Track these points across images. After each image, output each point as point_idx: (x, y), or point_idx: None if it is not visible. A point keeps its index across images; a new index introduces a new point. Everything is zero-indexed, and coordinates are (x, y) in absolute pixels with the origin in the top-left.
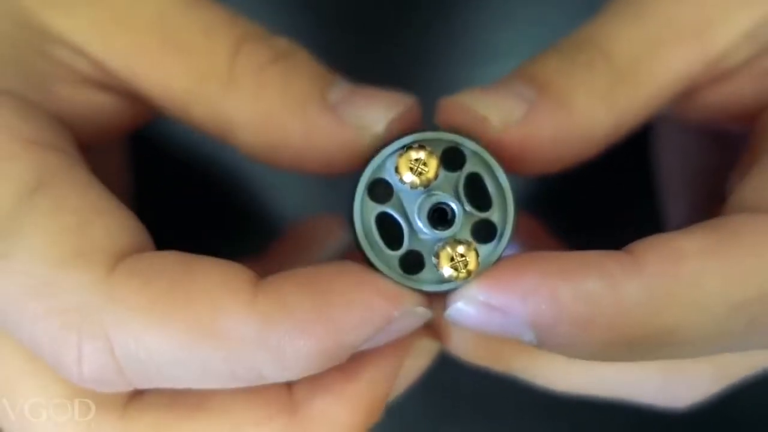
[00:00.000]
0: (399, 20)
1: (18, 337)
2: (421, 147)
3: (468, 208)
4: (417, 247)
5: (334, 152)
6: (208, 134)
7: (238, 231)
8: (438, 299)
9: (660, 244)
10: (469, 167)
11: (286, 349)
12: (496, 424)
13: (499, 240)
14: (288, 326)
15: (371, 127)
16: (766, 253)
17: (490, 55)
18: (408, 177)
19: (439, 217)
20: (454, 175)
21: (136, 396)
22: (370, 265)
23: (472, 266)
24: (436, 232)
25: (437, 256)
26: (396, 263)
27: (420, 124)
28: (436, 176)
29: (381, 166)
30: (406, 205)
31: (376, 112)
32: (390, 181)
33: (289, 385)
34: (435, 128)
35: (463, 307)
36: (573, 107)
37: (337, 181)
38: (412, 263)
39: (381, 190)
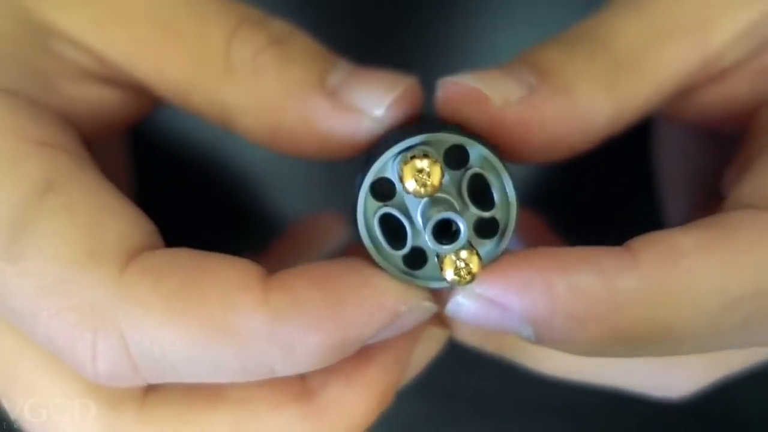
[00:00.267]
0: (399, 20)
1: (33, 337)
2: (425, 156)
3: (471, 208)
4: (420, 244)
5: (335, 136)
6: (209, 121)
7: (239, 230)
8: (441, 292)
9: (657, 240)
10: (473, 167)
11: (296, 345)
12: (496, 425)
13: (501, 238)
14: (299, 322)
15: (371, 110)
16: (763, 249)
17: (490, 55)
18: (411, 185)
19: (443, 227)
20: (458, 173)
21: (154, 388)
22: (374, 263)
23: (474, 269)
24: (441, 247)
25: (440, 260)
26: (399, 261)
27: (422, 107)
28: (441, 184)
29: (385, 166)
30: (408, 204)
31: (375, 93)
32: (393, 180)
33: (302, 374)
34: (437, 124)
35: (463, 301)
36: (574, 94)
37: (338, 180)
38: (416, 259)
39: (384, 189)
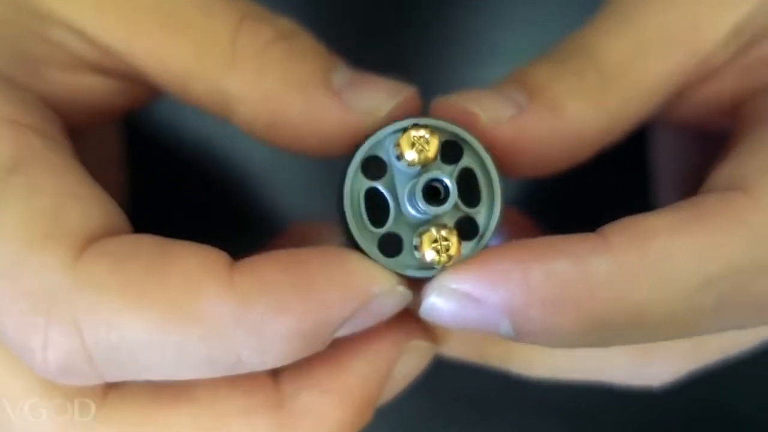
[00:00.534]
0: (399, 20)
1: None
2: (424, 126)
3: (459, 204)
4: (398, 231)
5: (334, 134)
6: (207, 110)
7: (238, 230)
8: (416, 289)
9: (629, 224)
10: (464, 161)
11: (264, 329)
12: (496, 425)
13: (481, 238)
14: (266, 303)
15: (374, 112)
16: (736, 228)
17: (490, 55)
18: (410, 154)
19: (432, 195)
20: (449, 168)
21: (114, 387)
22: (352, 240)
23: (453, 251)
24: (431, 207)
25: (420, 238)
26: (375, 243)
27: (420, 114)
28: (436, 157)
29: (378, 144)
30: (397, 185)
31: (379, 98)
32: (385, 159)
33: (275, 379)
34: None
35: (437, 300)
36: (563, 111)
37: (338, 181)
38: (391, 246)
39: (374, 168)
